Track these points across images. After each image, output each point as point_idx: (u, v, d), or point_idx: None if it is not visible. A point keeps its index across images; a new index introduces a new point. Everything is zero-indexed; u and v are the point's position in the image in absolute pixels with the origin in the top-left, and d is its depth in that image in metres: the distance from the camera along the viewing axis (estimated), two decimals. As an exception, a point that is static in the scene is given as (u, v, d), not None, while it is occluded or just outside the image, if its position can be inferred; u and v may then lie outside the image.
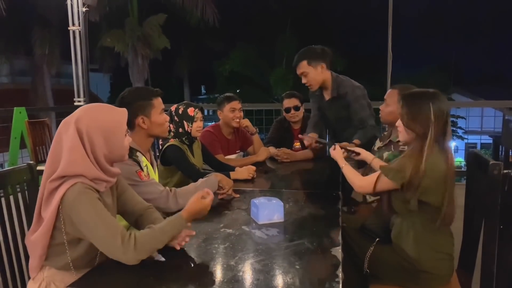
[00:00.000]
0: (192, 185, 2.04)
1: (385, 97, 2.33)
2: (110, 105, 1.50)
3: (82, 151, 1.36)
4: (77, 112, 1.42)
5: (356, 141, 2.61)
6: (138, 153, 1.90)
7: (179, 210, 1.49)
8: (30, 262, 1.44)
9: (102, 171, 1.41)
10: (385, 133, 2.46)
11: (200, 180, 2.07)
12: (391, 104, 2.26)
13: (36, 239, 1.39)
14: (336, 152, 2.15)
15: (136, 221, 1.61)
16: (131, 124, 1.87)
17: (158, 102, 1.95)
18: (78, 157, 1.36)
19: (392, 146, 2.30)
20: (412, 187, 1.62)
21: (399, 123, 1.77)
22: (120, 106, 1.86)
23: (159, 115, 1.94)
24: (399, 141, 2.23)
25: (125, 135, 1.48)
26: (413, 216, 1.70)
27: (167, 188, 1.92)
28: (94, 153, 1.39)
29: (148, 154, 2.02)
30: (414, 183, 1.61)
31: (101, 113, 1.43)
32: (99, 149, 1.39)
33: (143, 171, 1.87)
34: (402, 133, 1.77)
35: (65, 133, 1.38)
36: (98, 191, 1.40)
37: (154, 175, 2.02)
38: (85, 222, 1.32)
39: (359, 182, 1.88)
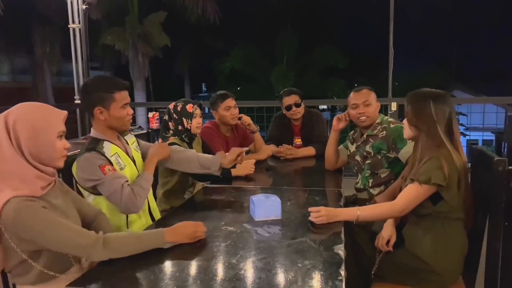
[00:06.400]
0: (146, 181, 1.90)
1: (362, 100, 2.38)
2: (49, 105, 1.42)
3: (8, 146, 1.30)
4: (12, 108, 1.36)
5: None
6: (104, 143, 1.84)
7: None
8: None
9: (35, 168, 1.34)
10: (355, 135, 2.56)
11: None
12: (373, 102, 2.39)
13: None
14: (328, 212, 1.67)
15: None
16: (90, 113, 1.85)
17: (120, 95, 1.83)
18: (5, 151, 1.30)
19: (370, 138, 2.40)
20: (452, 184, 1.64)
21: (405, 120, 1.81)
22: (82, 93, 1.88)
23: (119, 109, 1.83)
24: (376, 134, 2.36)
25: (60, 137, 1.39)
26: (432, 217, 1.70)
27: (127, 183, 1.80)
28: (20, 149, 1.32)
29: (119, 141, 1.94)
30: (454, 178, 1.63)
31: (32, 110, 1.37)
32: (23, 145, 1.31)
33: (110, 163, 1.80)
34: (406, 130, 1.82)
35: None
36: (37, 197, 1.32)
37: (129, 161, 1.94)
38: (37, 236, 1.29)
39: (393, 208, 1.71)
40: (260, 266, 1.29)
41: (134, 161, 1.97)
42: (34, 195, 1.31)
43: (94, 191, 1.81)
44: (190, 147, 2.53)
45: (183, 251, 1.42)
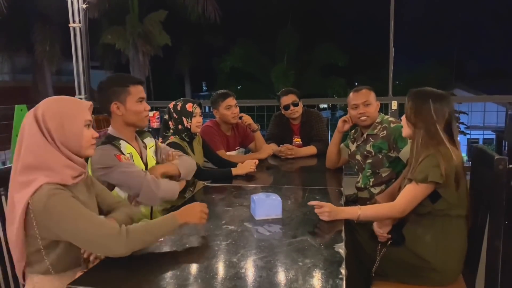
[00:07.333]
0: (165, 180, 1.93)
1: (362, 100, 2.38)
2: (73, 97, 1.47)
3: (40, 137, 1.35)
4: (39, 103, 1.42)
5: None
6: (121, 141, 1.85)
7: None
8: (16, 267, 1.43)
9: (66, 157, 1.38)
10: (356, 134, 2.57)
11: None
12: (373, 101, 2.40)
13: (11, 246, 1.38)
14: (331, 209, 1.69)
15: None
16: (107, 110, 1.86)
17: (136, 89, 1.86)
18: (38, 142, 1.34)
19: (370, 138, 2.41)
20: (449, 181, 1.64)
21: (403, 117, 1.83)
22: (98, 92, 1.89)
23: (135, 103, 1.85)
24: (376, 133, 2.37)
25: (87, 126, 1.43)
26: (432, 215, 1.71)
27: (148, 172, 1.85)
28: (52, 138, 1.36)
29: (135, 143, 1.95)
30: (451, 175, 1.64)
31: (59, 101, 1.42)
32: (54, 134, 1.36)
33: (124, 155, 1.82)
34: (404, 127, 1.84)
35: (26, 123, 1.37)
36: (67, 187, 1.35)
37: (142, 165, 1.94)
38: (64, 224, 1.30)
39: (394, 208, 1.71)
40: (260, 264, 1.29)
41: (146, 166, 1.96)
42: (65, 184, 1.35)
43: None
44: (191, 146, 2.53)
45: (183, 249, 1.42)
